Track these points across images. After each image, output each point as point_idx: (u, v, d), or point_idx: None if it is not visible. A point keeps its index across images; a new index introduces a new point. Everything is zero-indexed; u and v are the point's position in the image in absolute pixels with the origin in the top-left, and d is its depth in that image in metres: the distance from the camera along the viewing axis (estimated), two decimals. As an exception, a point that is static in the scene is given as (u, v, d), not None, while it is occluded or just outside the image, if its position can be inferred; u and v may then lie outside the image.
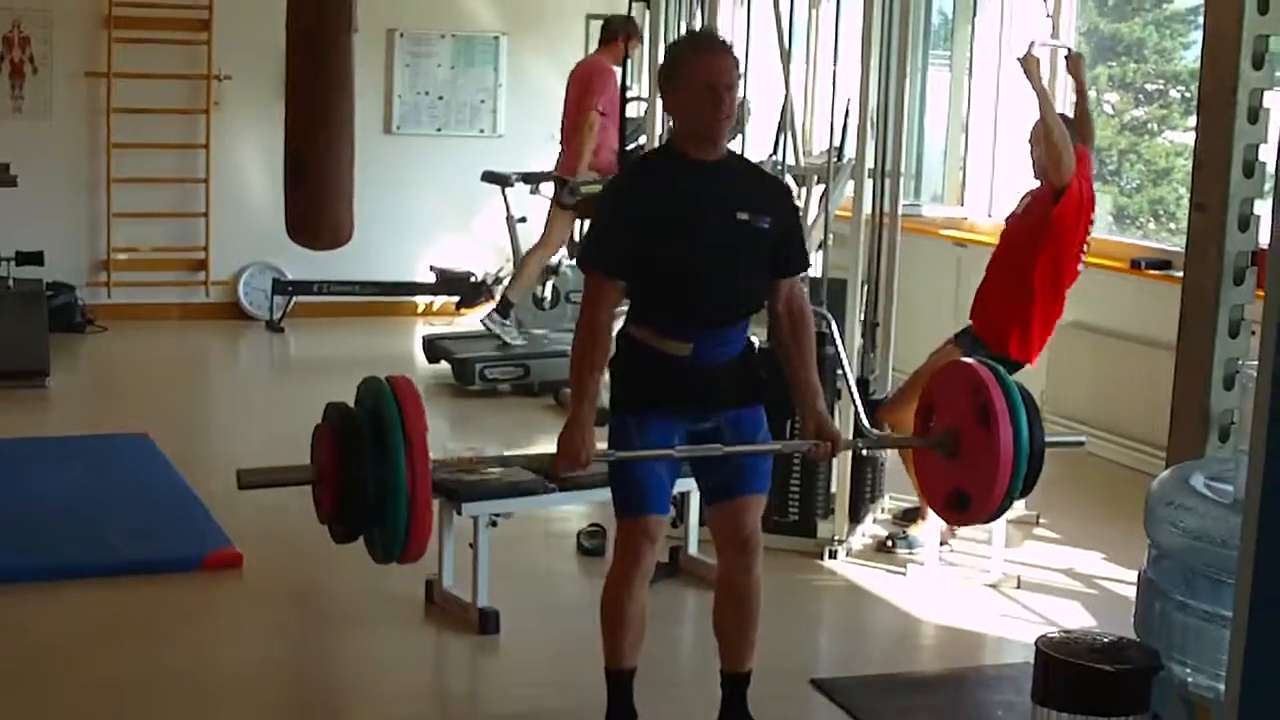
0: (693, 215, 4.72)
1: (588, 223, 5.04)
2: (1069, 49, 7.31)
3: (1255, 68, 4.65)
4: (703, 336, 4.77)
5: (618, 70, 10.25)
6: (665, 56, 5.03)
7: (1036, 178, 6.85)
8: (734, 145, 8.64)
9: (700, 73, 4.67)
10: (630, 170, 5.08)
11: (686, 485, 5.84)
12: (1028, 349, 6.87)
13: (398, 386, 4.53)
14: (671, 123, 4.96)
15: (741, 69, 4.80)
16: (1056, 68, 9.38)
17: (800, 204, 7.84)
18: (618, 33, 10.36)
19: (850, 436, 7.01)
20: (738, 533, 4.90)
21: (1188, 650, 3.91)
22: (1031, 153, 6.82)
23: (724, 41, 4.86)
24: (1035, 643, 4.07)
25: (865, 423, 6.98)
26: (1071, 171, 6.62)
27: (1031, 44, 6.93)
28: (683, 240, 4.69)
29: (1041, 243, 6.73)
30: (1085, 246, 6.90)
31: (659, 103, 7.64)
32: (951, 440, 4.95)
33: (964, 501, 4.96)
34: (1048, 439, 4.88)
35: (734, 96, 4.72)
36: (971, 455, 4.88)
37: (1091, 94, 8.81)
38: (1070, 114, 7.05)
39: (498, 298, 10.82)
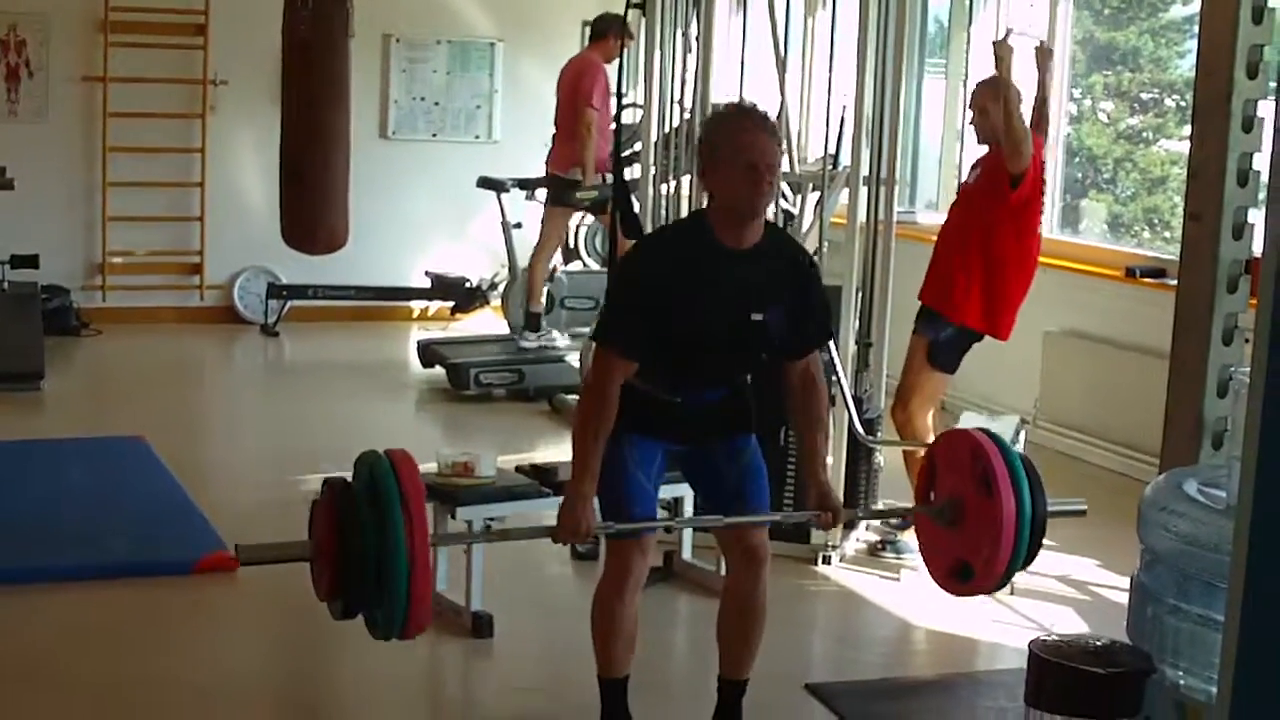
0: (709, 311, 4.70)
1: (607, 293, 4.92)
2: (1040, 40, 7.37)
3: (1250, 77, 4.67)
4: (693, 392, 4.86)
5: (608, 67, 10.29)
6: (706, 129, 4.93)
7: (982, 142, 7.01)
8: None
9: (743, 151, 4.59)
10: (656, 247, 4.93)
11: (681, 490, 5.85)
12: (994, 321, 7.02)
13: (396, 462, 4.46)
14: (706, 199, 4.82)
15: (783, 144, 4.71)
16: (1054, 71, 9.40)
17: (794, 210, 7.86)
18: (608, 30, 10.40)
19: (845, 444, 7.04)
20: (744, 544, 4.92)
21: (1180, 654, 3.92)
22: (975, 119, 6.98)
23: (767, 117, 4.74)
24: (1029, 646, 4.08)
25: (860, 431, 7.01)
26: (1030, 157, 6.80)
27: (1009, 32, 7.02)
28: (693, 332, 4.70)
29: (1002, 218, 6.91)
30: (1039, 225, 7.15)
31: (655, 108, 7.66)
32: (953, 510, 4.94)
33: (966, 572, 4.97)
34: (1050, 507, 4.88)
35: (776, 176, 4.66)
36: (974, 525, 4.88)
37: (1086, 103, 8.85)
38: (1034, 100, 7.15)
39: (524, 319, 10.80)
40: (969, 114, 7.08)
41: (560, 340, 10.61)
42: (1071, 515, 5.35)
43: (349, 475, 4.50)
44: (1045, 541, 7.30)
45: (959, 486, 4.92)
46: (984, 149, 7.07)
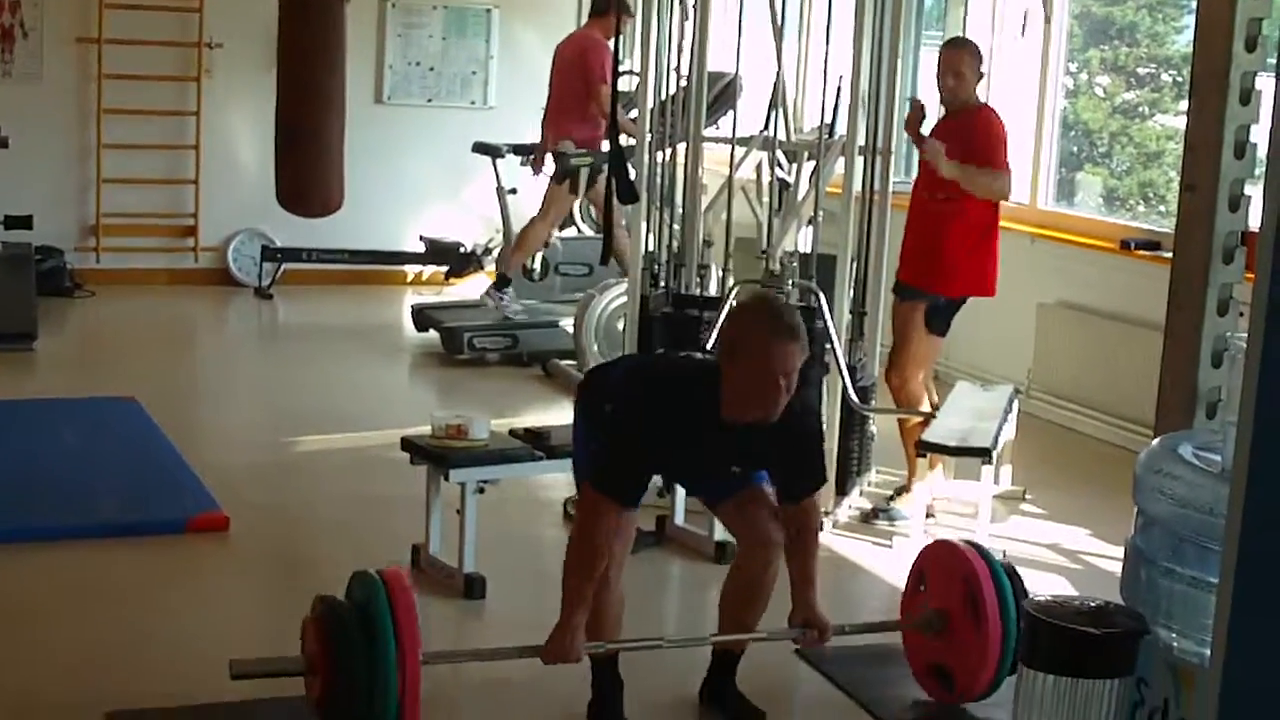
0: (691, 464, 4.90)
1: (609, 439, 4.91)
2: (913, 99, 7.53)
3: (1248, 50, 4.67)
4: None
5: (610, 43, 10.26)
6: (734, 323, 4.89)
7: (952, 110, 7.24)
8: (725, 121, 8.66)
9: (766, 360, 4.55)
10: (659, 403, 4.81)
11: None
12: (984, 283, 7.31)
13: (390, 585, 4.46)
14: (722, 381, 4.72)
15: (806, 351, 4.69)
16: (1050, 56, 9.42)
17: (790, 179, 7.86)
18: (608, 6, 10.37)
19: (839, 413, 7.05)
20: (757, 529, 4.94)
21: (1173, 616, 3.94)
22: (950, 83, 7.16)
23: (795, 325, 4.64)
24: (1023, 605, 4.10)
25: (854, 400, 7.03)
26: (1009, 189, 7.28)
27: (916, 105, 7.35)
28: (675, 476, 5.07)
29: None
30: None
31: (651, 75, 7.65)
32: (939, 621, 5.05)
33: (947, 681, 5.09)
34: None
35: (793, 382, 4.60)
36: (958, 639, 4.99)
37: (1083, 77, 8.86)
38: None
39: (496, 273, 10.81)
40: (951, 78, 7.17)
41: (515, 307, 10.53)
42: None
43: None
44: (1036, 510, 7.39)
45: (948, 600, 5.03)
46: (938, 115, 7.35)
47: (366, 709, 4.37)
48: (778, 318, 4.67)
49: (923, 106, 7.26)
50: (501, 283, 10.61)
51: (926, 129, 7.27)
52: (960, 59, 7.11)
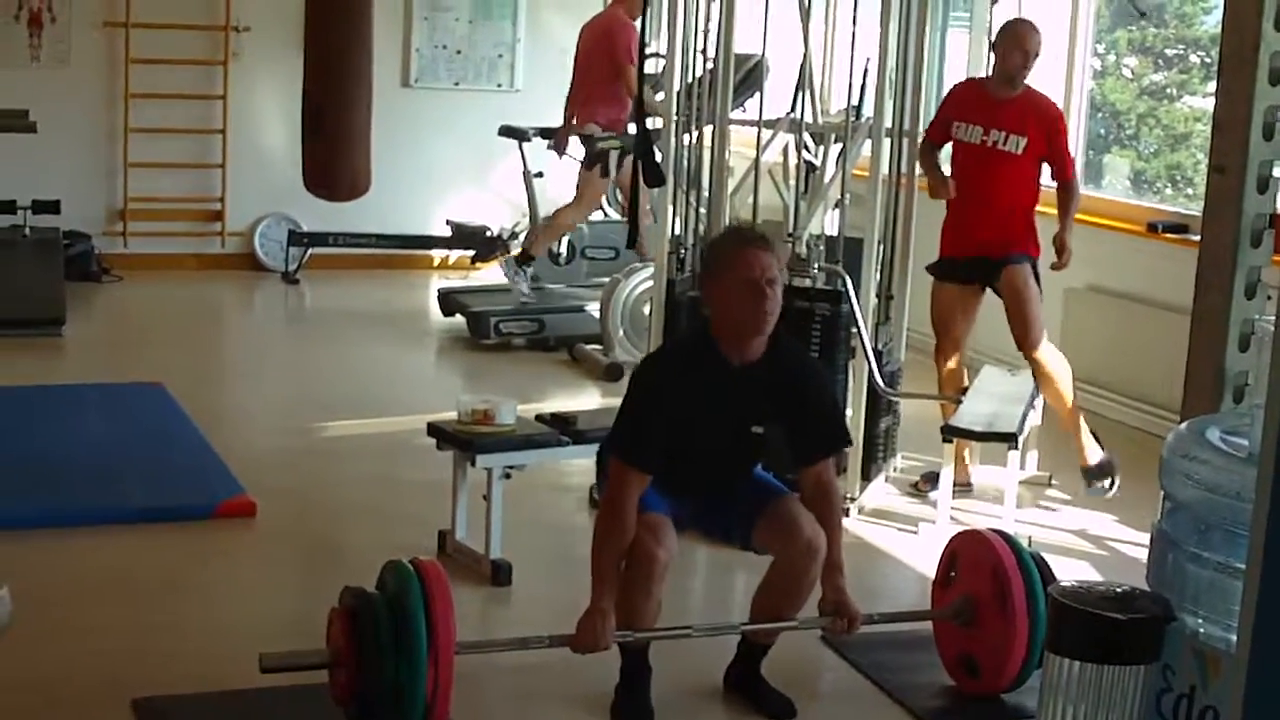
0: (710, 427, 4.83)
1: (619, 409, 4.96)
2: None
3: (1278, 29, 4.63)
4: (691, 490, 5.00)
5: (635, 24, 10.24)
6: (708, 252, 5.03)
7: (1002, 80, 7.31)
8: (751, 103, 8.64)
9: (740, 269, 4.66)
10: (663, 364, 4.91)
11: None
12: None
13: (426, 576, 4.41)
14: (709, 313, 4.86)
15: (784, 262, 4.75)
16: (1077, 37, 9.38)
17: (817, 161, 7.83)
18: None
19: (865, 398, 7.03)
20: (797, 538, 4.88)
21: (1200, 601, 3.92)
22: (1028, 63, 7.25)
23: (764, 236, 4.84)
24: (1049, 590, 4.09)
25: (881, 385, 7.01)
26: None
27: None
28: (692, 446, 4.82)
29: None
30: None
31: (678, 58, 7.63)
32: (969, 610, 5.04)
33: (973, 670, 5.09)
34: None
35: (777, 291, 4.69)
36: (987, 629, 5.00)
37: (1110, 58, 8.82)
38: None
39: (521, 249, 10.81)
40: (1020, 56, 7.24)
41: (523, 286, 10.53)
42: None
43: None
44: (1061, 495, 7.37)
45: (976, 587, 5.02)
46: (986, 92, 7.41)
47: (394, 707, 4.32)
48: (746, 231, 4.97)
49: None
50: (524, 259, 10.60)
51: (963, 107, 7.42)
52: (1036, 40, 7.19)
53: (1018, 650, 4.88)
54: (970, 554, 5.10)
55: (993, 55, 7.35)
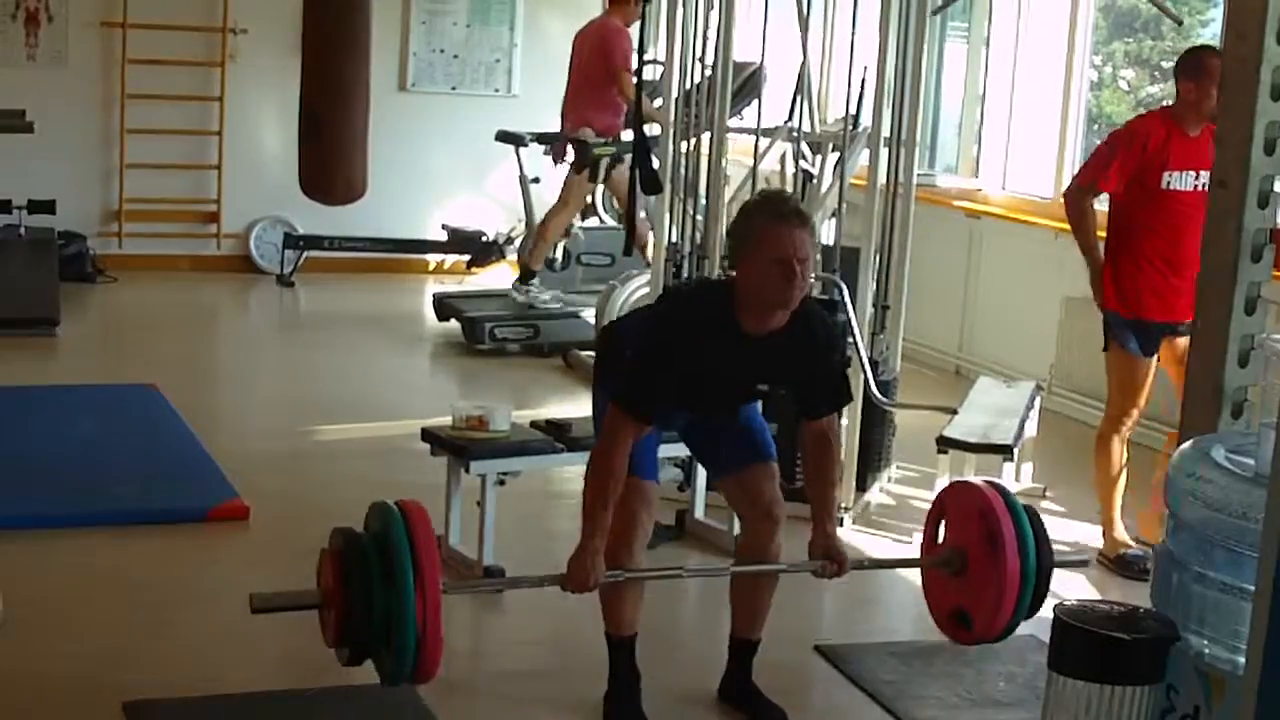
0: (719, 383, 4.80)
1: (623, 353, 4.94)
2: None
3: (1279, 43, 4.62)
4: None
5: (630, 31, 10.25)
6: (738, 219, 4.86)
7: (1200, 117, 6.45)
8: (749, 111, 8.63)
9: (772, 247, 4.55)
10: (677, 319, 4.84)
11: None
12: None
13: (408, 513, 4.40)
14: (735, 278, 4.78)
15: (818, 238, 4.68)
16: (1075, 49, 9.37)
17: (814, 171, 7.83)
18: None
19: (861, 407, 7.02)
20: (758, 504, 4.95)
21: (1204, 622, 3.90)
22: (1207, 95, 6.27)
23: (799, 209, 4.72)
24: (1053, 610, 4.07)
25: (876, 395, 7.00)
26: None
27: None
28: (698, 396, 4.81)
29: None
30: None
31: (676, 65, 7.62)
32: (959, 559, 4.95)
33: (966, 621, 4.99)
34: (1055, 559, 4.90)
35: (809, 269, 4.60)
36: (977, 577, 4.90)
37: (1107, 70, 8.79)
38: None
39: (520, 268, 10.80)
40: (1205, 91, 6.32)
41: (546, 296, 10.55)
42: (1075, 566, 5.62)
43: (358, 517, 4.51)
44: (1056, 508, 7.36)
45: (965, 537, 4.95)
46: (1181, 131, 6.57)
47: (385, 641, 4.29)
48: (783, 204, 4.77)
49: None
50: (526, 277, 10.62)
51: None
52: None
53: (1009, 592, 4.77)
54: (958, 504, 5.01)
55: (1181, 88, 6.55)
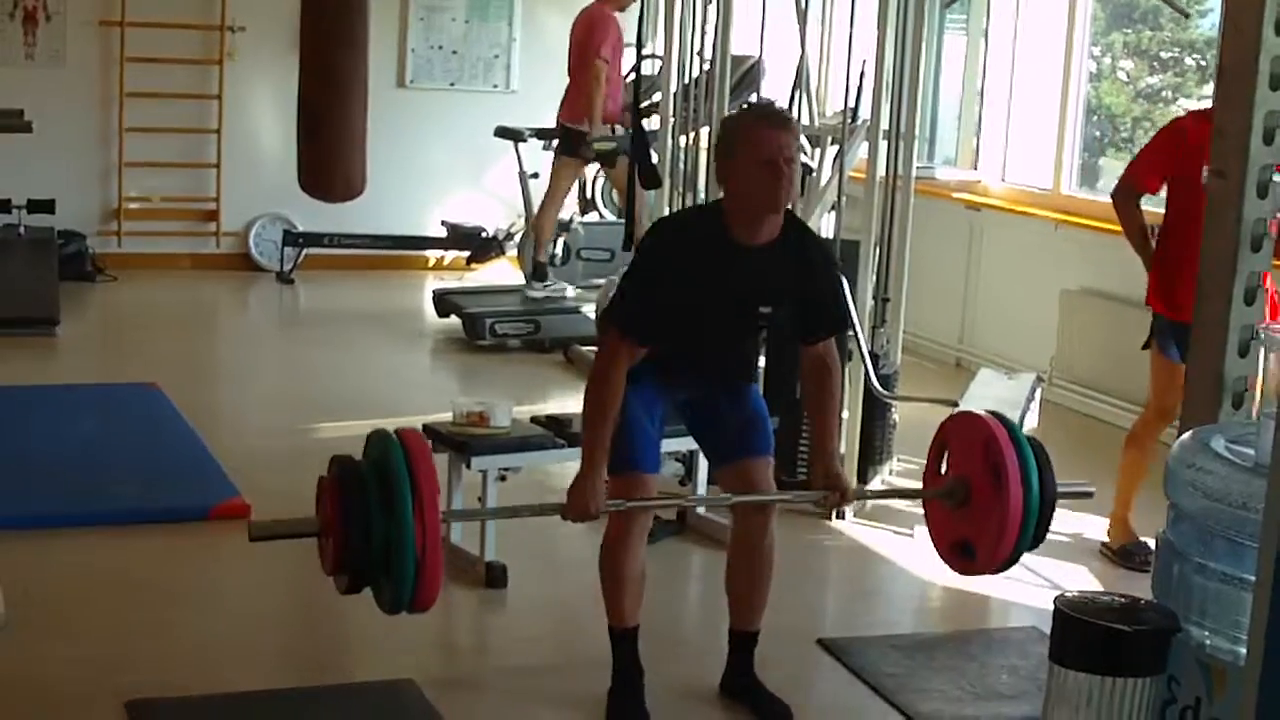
0: (718, 305, 4.76)
1: (619, 278, 4.94)
2: None
3: (1278, 34, 4.62)
4: (696, 361, 4.93)
5: (621, 17, 10.26)
6: (723, 128, 4.92)
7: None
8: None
9: (761, 147, 4.57)
10: (672, 238, 4.87)
11: (694, 444, 5.83)
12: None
13: (407, 442, 4.40)
14: (723, 194, 4.79)
15: (803, 142, 4.68)
16: (1074, 40, 9.37)
17: (813, 164, 7.82)
18: None
19: (861, 400, 7.02)
20: (750, 494, 4.91)
21: (1205, 613, 3.90)
22: None
23: (785, 115, 4.76)
24: (1054, 601, 4.06)
25: (877, 387, 7.00)
26: None
27: None
28: (700, 321, 4.77)
29: None
30: None
31: (674, 59, 7.62)
32: (962, 490, 4.90)
33: (969, 552, 4.94)
34: (1058, 489, 4.85)
35: (795, 170, 4.62)
36: (980, 508, 4.85)
37: (1106, 61, 8.77)
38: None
39: (532, 266, 10.78)
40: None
41: (569, 291, 10.60)
42: (1079, 497, 5.38)
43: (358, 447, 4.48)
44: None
45: (969, 468, 4.90)
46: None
47: (384, 568, 4.28)
48: (765, 109, 4.88)
49: None
50: (539, 275, 10.62)
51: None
52: None
53: (1013, 522, 4.71)
54: (961, 435, 4.96)
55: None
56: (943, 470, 5.02)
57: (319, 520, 4.43)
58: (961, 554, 4.96)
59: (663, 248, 4.84)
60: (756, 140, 4.59)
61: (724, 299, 4.75)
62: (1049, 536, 6.80)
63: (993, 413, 4.98)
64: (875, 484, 7.26)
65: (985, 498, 4.81)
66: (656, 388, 4.88)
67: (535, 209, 11.03)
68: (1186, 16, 9.03)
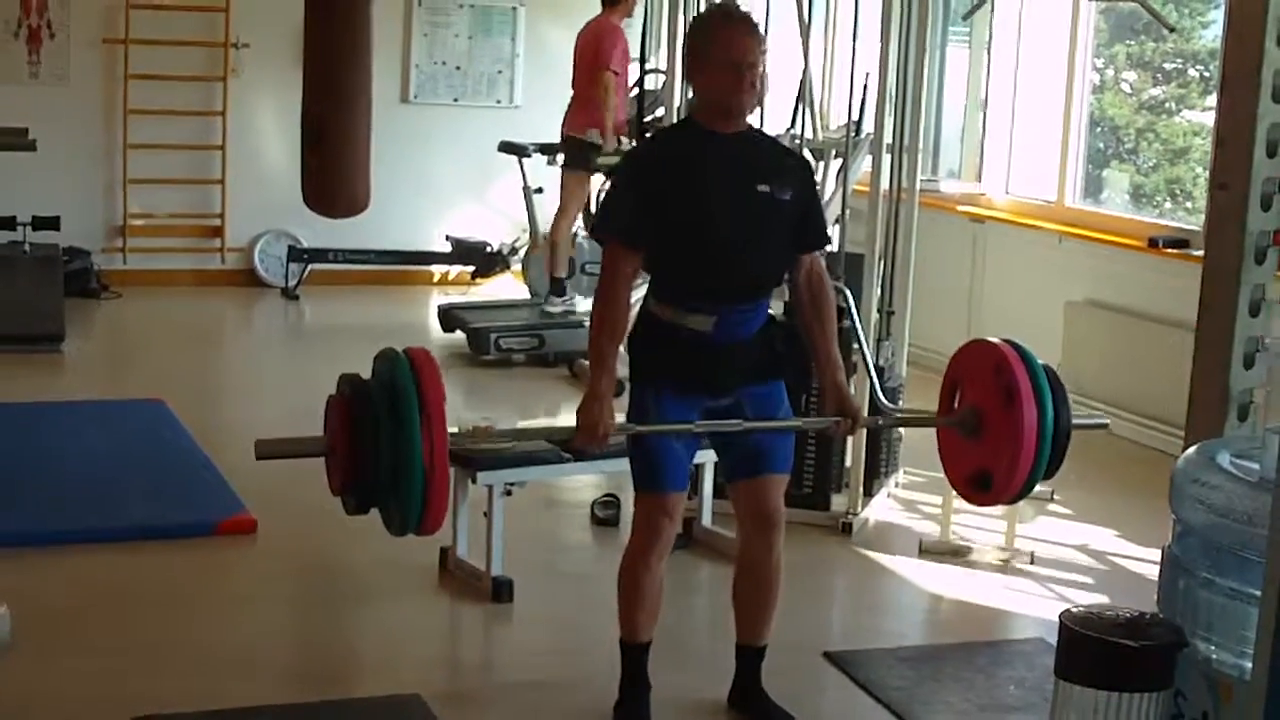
0: (712, 184, 4.70)
1: (603, 193, 5.01)
2: None
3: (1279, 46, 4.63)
4: (725, 311, 4.73)
5: (624, 27, 10.27)
6: (689, 31, 4.99)
7: None
8: (752, 120, 8.62)
9: (724, 50, 4.64)
10: (649, 141, 5.01)
11: (702, 457, 5.83)
12: None
13: (414, 358, 4.41)
14: (692, 95, 4.93)
15: (766, 45, 4.76)
16: (1077, 51, 9.39)
17: (819, 178, 7.83)
18: None
19: (867, 414, 7.02)
20: (760, 510, 4.91)
21: (1211, 627, 3.90)
22: None
23: (748, 17, 4.81)
24: (1059, 617, 4.06)
25: (882, 401, 7.00)
26: None
27: None
28: (702, 208, 4.67)
29: None
30: None
31: (678, 75, 7.63)
32: (974, 419, 4.82)
33: (986, 482, 4.84)
34: (1073, 421, 4.79)
35: (757, 73, 4.68)
36: (994, 435, 4.77)
37: (1109, 73, 8.76)
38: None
39: (550, 281, 10.77)
40: None
41: (583, 305, 10.61)
42: (1094, 429, 5.30)
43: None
44: (1063, 510, 7.35)
45: (981, 396, 4.83)
46: None
47: (391, 483, 4.27)
48: (727, 15, 4.85)
49: None
50: (558, 290, 10.62)
51: None
52: None
53: (1028, 445, 4.66)
54: (973, 364, 4.92)
55: None
56: (955, 404, 4.97)
57: (326, 439, 4.42)
58: (977, 485, 4.89)
59: (641, 149, 5.00)
60: (723, 41, 4.67)
61: (717, 179, 4.71)
62: (1054, 548, 6.86)
63: (1006, 340, 4.93)
64: (880, 497, 7.27)
65: (999, 423, 4.74)
66: (689, 402, 4.79)
67: (540, 224, 11.04)
68: (1172, 30, 9.05)
